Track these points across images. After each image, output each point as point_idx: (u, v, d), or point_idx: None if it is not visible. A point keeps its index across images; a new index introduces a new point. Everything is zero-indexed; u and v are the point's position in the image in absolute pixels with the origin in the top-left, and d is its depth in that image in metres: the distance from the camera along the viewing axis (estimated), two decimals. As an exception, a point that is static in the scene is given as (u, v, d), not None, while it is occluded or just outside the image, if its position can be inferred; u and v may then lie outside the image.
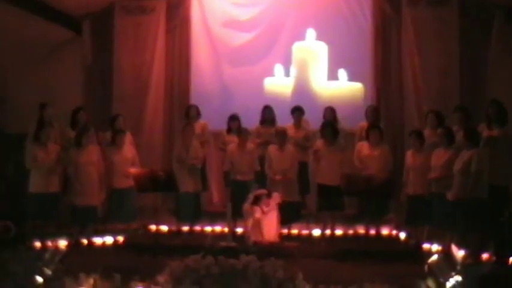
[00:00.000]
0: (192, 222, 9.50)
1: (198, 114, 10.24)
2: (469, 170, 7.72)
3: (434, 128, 9.00)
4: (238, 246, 7.65)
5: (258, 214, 8.42)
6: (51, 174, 8.87)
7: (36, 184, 8.79)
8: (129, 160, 9.35)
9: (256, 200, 8.60)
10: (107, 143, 9.65)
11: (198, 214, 9.58)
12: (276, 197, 8.63)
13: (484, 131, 8.38)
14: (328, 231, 9.22)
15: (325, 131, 9.31)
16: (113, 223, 9.33)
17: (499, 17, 10.22)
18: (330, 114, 9.85)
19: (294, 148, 9.43)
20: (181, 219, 9.55)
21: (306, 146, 9.74)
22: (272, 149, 9.35)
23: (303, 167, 9.54)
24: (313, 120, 10.04)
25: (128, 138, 9.70)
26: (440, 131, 8.52)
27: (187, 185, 9.30)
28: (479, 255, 7.11)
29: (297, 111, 9.92)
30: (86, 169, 8.96)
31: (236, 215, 9.12)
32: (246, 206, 8.54)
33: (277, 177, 9.14)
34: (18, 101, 11.01)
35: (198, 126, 10.07)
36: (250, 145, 9.49)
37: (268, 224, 8.54)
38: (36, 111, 9.45)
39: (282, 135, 9.36)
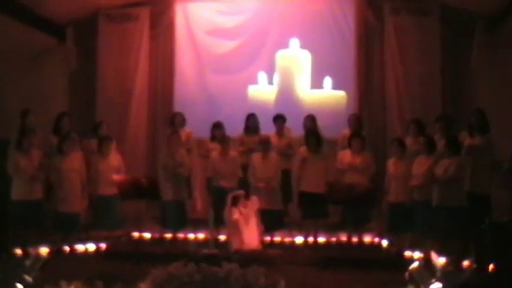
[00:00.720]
0: (177, 230, 9.48)
1: (183, 122, 10.25)
2: (448, 175, 7.81)
3: (415, 136, 9.09)
4: (221, 253, 7.63)
5: (236, 215, 8.44)
6: (34, 181, 8.81)
7: (18, 191, 8.73)
8: (115, 168, 9.33)
9: (234, 201, 8.63)
10: (91, 150, 9.62)
11: (183, 222, 9.56)
12: (255, 201, 8.66)
13: (466, 139, 8.46)
14: (310, 239, 9.24)
15: (309, 139, 9.34)
16: (98, 230, 9.30)
17: (480, 26, 10.34)
18: (310, 122, 9.89)
19: (277, 156, 9.45)
20: (166, 226, 9.53)
21: (288, 154, 9.76)
22: (256, 157, 9.36)
23: (285, 175, 9.56)
24: (297, 128, 10.07)
25: (113, 145, 9.68)
26: (421, 139, 8.60)
27: (171, 193, 9.30)
28: (459, 263, 7.16)
29: (279, 119, 9.96)
30: (68, 176, 8.92)
31: (218, 222, 9.12)
32: (226, 209, 8.56)
33: (261, 184, 9.15)
34: (1, 107, 10.95)
35: (183, 133, 10.06)
36: (232, 152, 9.51)
37: (249, 231, 8.56)
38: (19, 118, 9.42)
39: (265, 143, 9.38)
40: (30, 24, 10.35)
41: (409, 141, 9.07)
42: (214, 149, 9.66)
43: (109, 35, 11.44)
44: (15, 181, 8.76)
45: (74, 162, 9.00)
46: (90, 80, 11.51)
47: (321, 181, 9.15)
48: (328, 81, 10.39)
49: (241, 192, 8.71)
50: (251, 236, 8.52)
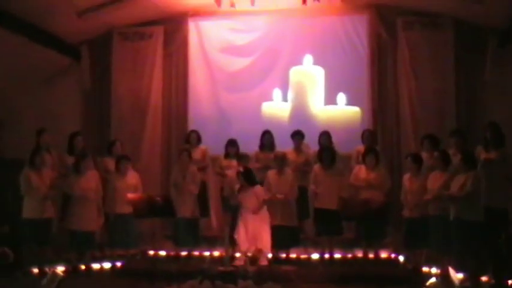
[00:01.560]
0: (189, 247, 9.47)
1: (199, 139, 10.28)
2: (464, 191, 7.76)
3: (430, 151, 9.03)
4: (236, 270, 7.62)
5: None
6: (46, 200, 8.86)
7: (29, 210, 8.77)
8: (133, 186, 9.37)
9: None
10: (106, 168, 9.67)
11: (196, 240, 9.56)
12: (260, 191, 8.75)
13: (482, 154, 8.40)
14: (326, 255, 9.20)
15: (322, 155, 9.32)
16: (114, 249, 9.32)
17: (493, 40, 10.30)
18: (326, 139, 9.86)
19: (293, 172, 9.42)
20: (179, 244, 9.52)
21: (306, 171, 9.69)
22: (271, 173, 9.35)
23: (302, 192, 9.51)
24: (311, 145, 10.05)
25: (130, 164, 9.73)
26: (436, 154, 8.55)
27: (184, 210, 9.31)
28: (477, 278, 7.10)
29: (297, 136, 9.93)
30: (84, 195, 8.96)
31: (234, 239, 9.10)
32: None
33: (278, 195, 9.10)
34: (17, 126, 11.05)
35: (198, 151, 10.11)
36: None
37: (259, 228, 8.61)
38: (34, 137, 9.49)
39: (281, 159, 9.36)
40: (45, 44, 10.45)
41: (423, 156, 9.01)
42: (230, 167, 9.65)
43: (123, 53, 11.53)
44: (26, 199, 8.81)
45: (90, 181, 9.04)
46: (104, 98, 11.59)
47: (335, 198, 9.12)
48: (342, 97, 10.36)
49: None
50: (261, 236, 8.79)
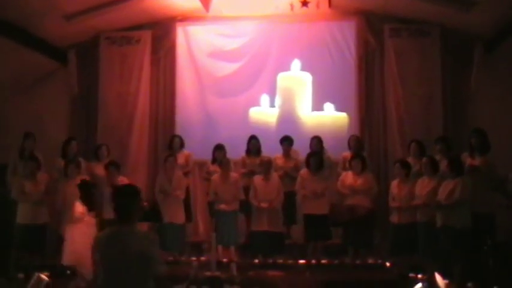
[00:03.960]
0: (174, 252, 9.43)
1: (182, 144, 10.27)
2: (453, 199, 7.78)
3: (417, 157, 9.09)
4: (223, 275, 7.60)
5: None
6: (39, 205, 8.83)
7: (23, 215, 8.73)
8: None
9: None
10: (92, 173, 9.64)
11: (181, 245, 9.52)
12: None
13: (467, 160, 8.45)
14: (312, 261, 9.20)
15: (309, 160, 9.34)
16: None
17: (478, 47, 10.36)
18: (317, 144, 9.89)
19: (279, 178, 9.43)
20: (166, 249, 9.48)
21: (294, 176, 9.68)
22: (257, 179, 9.35)
23: (290, 197, 9.53)
24: (298, 150, 10.06)
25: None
26: (424, 160, 8.59)
27: (170, 215, 9.28)
28: (463, 284, 7.12)
29: (286, 141, 9.94)
30: (73, 200, 8.92)
31: (221, 244, 9.09)
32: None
33: (263, 204, 9.12)
34: (3, 130, 10.97)
35: (181, 156, 10.10)
36: (233, 175, 9.50)
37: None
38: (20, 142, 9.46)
39: (267, 165, 9.37)
40: (32, 48, 10.38)
41: (410, 161, 9.06)
42: (216, 172, 9.65)
43: (110, 58, 11.49)
44: (20, 205, 8.76)
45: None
46: (91, 103, 11.52)
47: (322, 203, 9.15)
48: (329, 106, 10.46)
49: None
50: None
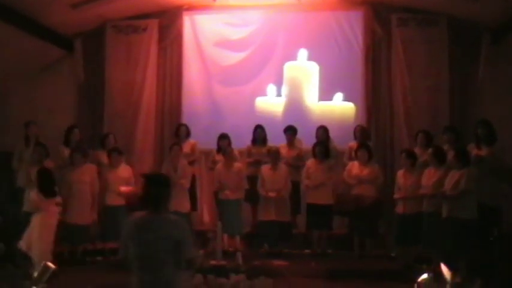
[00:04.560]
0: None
1: (188, 133, 10.27)
2: (458, 189, 7.77)
3: (424, 147, 9.08)
4: (228, 265, 7.62)
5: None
6: None
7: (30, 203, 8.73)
8: (124, 179, 9.37)
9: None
10: (100, 161, 9.65)
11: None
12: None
13: (473, 151, 8.42)
14: (318, 251, 9.22)
15: (316, 150, 9.35)
16: (106, 241, 9.30)
17: (486, 37, 10.31)
18: (323, 133, 9.89)
19: (286, 168, 9.44)
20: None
21: (298, 166, 9.71)
22: (265, 168, 9.38)
23: (295, 187, 9.53)
24: (305, 140, 10.06)
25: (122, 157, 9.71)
26: (430, 150, 8.57)
27: (175, 204, 9.27)
28: (468, 275, 7.11)
29: (290, 131, 9.94)
30: (78, 188, 8.97)
31: (226, 233, 9.12)
32: None
33: (271, 194, 9.15)
34: (10, 118, 11.00)
35: (187, 145, 10.11)
36: (237, 164, 9.52)
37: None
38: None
39: (275, 154, 9.38)
40: (39, 36, 10.39)
41: (417, 151, 9.04)
42: (220, 161, 9.66)
43: (117, 46, 11.47)
44: (27, 193, 8.77)
45: (84, 174, 9.05)
46: (98, 91, 11.52)
47: (327, 192, 9.15)
48: (338, 96, 10.43)
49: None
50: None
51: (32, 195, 8.06)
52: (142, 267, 4.35)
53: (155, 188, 4.48)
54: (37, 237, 7.74)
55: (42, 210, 7.87)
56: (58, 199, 8.20)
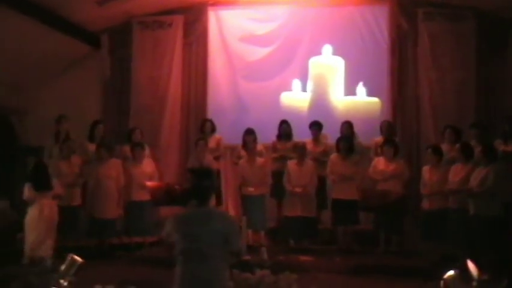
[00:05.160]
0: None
1: (213, 128, 10.31)
2: (485, 186, 7.69)
3: (452, 143, 8.98)
4: (253, 259, 7.63)
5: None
6: (73, 187, 8.96)
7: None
8: (148, 174, 9.42)
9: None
10: (126, 156, 9.73)
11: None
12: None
13: (500, 147, 8.33)
14: (343, 246, 9.20)
15: (339, 144, 9.32)
16: (131, 236, 9.38)
17: (514, 32, 10.20)
18: (347, 128, 9.85)
19: (312, 163, 9.43)
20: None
21: (324, 161, 9.65)
22: (291, 164, 9.37)
23: (321, 182, 9.51)
24: (330, 135, 10.02)
25: (147, 151, 9.76)
26: (458, 146, 8.50)
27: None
28: (496, 273, 7.04)
29: (315, 126, 9.91)
30: (104, 183, 9.06)
31: (250, 228, 9.13)
32: None
33: (297, 189, 9.15)
34: (38, 114, 11.14)
35: (212, 140, 10.14)
36: (260, 159, 9.53)
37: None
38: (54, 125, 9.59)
39: (301, 150, 9.37)
40: (65, 32, 10.50)
41: (444, 148, 8.96)
42: (243, 156, 9.68)
43: (143, 42, 11.55)
44: (56, 187, 8.86)
45: (110, 169, 9.13)
46: (124, 86, 11.62)
47: (351, 188, 9.12)
48: (361, 88, 10.36)
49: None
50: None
51: (25, 188, 8.10)
52: (187, 261, 4.41)
53: (203, 181, 4.55)
54: (28, 229, 7.86)
55: (36, 202, 7.94)
56: (58, 191, 8.29)
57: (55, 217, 8.02)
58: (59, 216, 8.29)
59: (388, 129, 9.83)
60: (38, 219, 7.88)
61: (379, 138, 9.79)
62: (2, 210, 9.11)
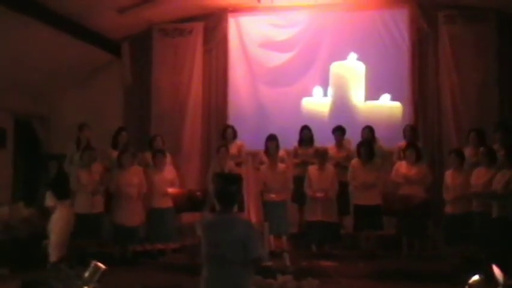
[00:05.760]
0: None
1: (235, 134, 10.32)
2: (510, 189, 7.61)
3: (476, 146, 8.89)
4: (275, 265, 7.62)
5: None
6: (95, 195, 9.02)
7: (80, 205, 8.91)
8: (169, 181, 9.43)
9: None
10: (147, 163, 9.77)
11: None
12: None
13: (524, 149, 8.23)
14: (366, 251, 9.15)
15: (360, 150, 9.28)
16: (153, 243, 9.42)
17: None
18: (368, 133, 9.80)
19: (334, 168, 9.39)
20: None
21: (346, 166, 9.55)
22: (312, 169, 9.34)
23: (343, 187, 9.46)
24: (352, 140, 9.98)
25: (168, 158, 9.80)
26: (482, 149, 8.42)
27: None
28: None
29: (338, 131, 9.87)
30: (127, 190, 9.08)
31: (272, 234, 9.11)
32: None
33: (319, 194, 9.12)
34: (60, 121, 11.27)
35: (234, 146, 10.14)
36: (282, 165, 9.51)
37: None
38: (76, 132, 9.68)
39: (322, 155, 9.34)
40: (86, 41, 10.59)
41: (468, 151, 8.89)
42: (266, 163, 9.67)
43: (163, 49, 11.62)
44: (77, 195, 8.94)
45: (132, 176, 9.16)
46: (145, 94, 11.69)
47: (373, 193, 9.07)
48: (386, 96, 10.33)
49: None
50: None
51: (46, 196, 8.28)
52: (212, 267, 4.45)
53: (229, 187, 4.55)
54: (51, 235, 8.13)
55: (57, 211, 8.12)
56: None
57: (71, 225, 8.16)
58: (80, 224, 8.41)
59: (411, 133, 9.77)
60: (58, 227, 8.01)
61: (402, 143, 9.72)
62: (29, 217, 9.17)
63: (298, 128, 10.11)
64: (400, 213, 8.83)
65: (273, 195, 9.32)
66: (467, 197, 8.31)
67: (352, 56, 10.67)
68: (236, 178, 4.74)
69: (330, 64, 10.91)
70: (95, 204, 9.01)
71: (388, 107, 10.59)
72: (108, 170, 9.41)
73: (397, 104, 10.55)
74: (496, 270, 5.66)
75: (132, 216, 9.08)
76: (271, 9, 11.36)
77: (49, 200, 8.20)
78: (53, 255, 7.94)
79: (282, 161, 9.74)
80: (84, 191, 8.93)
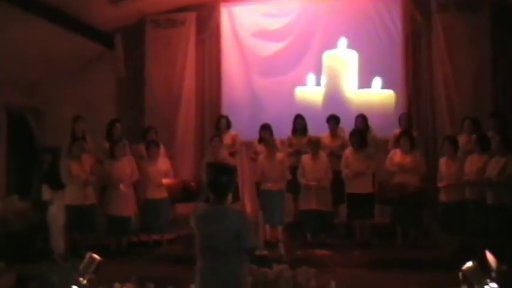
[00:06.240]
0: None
1: (229, 124, 10.31)
2: (504, 176, 7.63)
3: (470, 134, 8.92)
4: (271, 255, 7.64)
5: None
6: (86, 186, 9.00)
7: (72, 197, 8.91)
8: (163, 172, 9.44)
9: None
10: (141, 154, 9.76)
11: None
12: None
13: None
14: (360, 240, 9.17)
15: (352, 138, 9.28)
16: (147, 234, 9.43)
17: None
18: (361, 122, 9.80)
19: (327, 157, 9.39)
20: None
21: (341, 155, 9.54)
22: (305, 158, 9.35)
23: (337, 176, 9.46)
24: (345, 128, 9.98)
25: (162, 150, 9.79)
26: (474, 136, 8.45)
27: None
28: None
29: (332, 120, 9.87)
30: (120, 180, 9.08)
31: (268, 224, 9.12)
32: None
33: (312, 183, 9.12)
34: (54, 114, 11.24)
35: (228, 136, 10.15)
36: (279, 154, 9.50)
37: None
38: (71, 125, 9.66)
39: (315, 144, 9.34)
40: (80, 33, 10.55)
41: (463, 139, 8.91)
42: (262, 152, 9.67)
43: (156, 40, 11.59)
44: (68, 187, 8.94)
45: (124, 167, 9.15)
46: (138, 85, 11.66)
47: (364, 181, 9.08)
48: (377, 81, 10.29)
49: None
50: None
51: (43, 189, 8.27)
52: (205, 257, 4.43)
53: (221, 177, 4.48)
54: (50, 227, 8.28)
55: (54, 203, 8.13)
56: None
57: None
58: (73, 216, 8.43)
59: (407, 122, 9.77)
60: (59, 217, 8.05)
61: (397, 131, 9.72)
62: (23, 210, 9.17)
63: (292, 117, 10.10)
64: (394, 201, 8.84)
65: (269, 184, 9.31)
66: (462, 184, 8.33)
67: (343, 41, 10.63)
68: (228, 168, 4.67)
69: (323, 53, 10.89)
70: (87, 195, 8.99)
71: (380, 95, 10.55)
72: (101, 161, 9.39)
73: (390, 93, 10.53)
74: (490, 257, 5.69)
75: (125, 206, 9.09)
76: (264, -2, 11.36)
77: (45, 193, 8.21)
78: (59, 247, 7.93)
79: (278, 150, 9.73)
80: (75, 183, 8.91)
